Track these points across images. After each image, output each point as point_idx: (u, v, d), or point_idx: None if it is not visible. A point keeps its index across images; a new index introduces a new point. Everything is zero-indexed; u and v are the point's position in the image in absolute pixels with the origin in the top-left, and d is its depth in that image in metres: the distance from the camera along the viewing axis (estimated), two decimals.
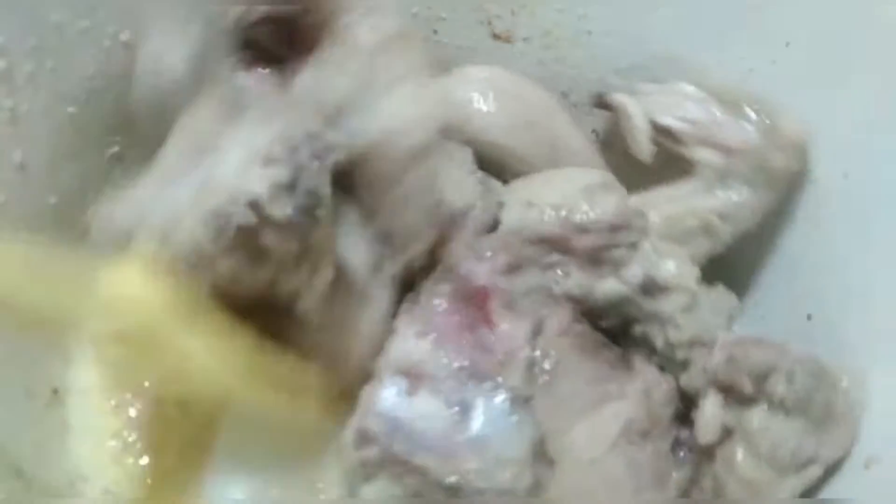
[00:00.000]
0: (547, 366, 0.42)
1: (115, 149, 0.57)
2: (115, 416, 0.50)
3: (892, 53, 0.48)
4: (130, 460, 0.50)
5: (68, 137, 0.53)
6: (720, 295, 0.51)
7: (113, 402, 0.48)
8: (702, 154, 0.52)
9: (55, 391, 0.50)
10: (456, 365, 0.41)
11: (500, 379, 0.41)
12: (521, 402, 0.41)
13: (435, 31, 0.65)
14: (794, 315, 0.53)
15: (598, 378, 0.44)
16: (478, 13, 0.65)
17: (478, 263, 0.45)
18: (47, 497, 0.45)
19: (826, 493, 0.45)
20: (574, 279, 0.46)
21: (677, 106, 0.55)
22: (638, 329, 0.48)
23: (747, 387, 0.43)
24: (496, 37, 0.65)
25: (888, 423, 0.43)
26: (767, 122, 0.52)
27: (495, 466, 0.39)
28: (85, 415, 0.51)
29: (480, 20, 0.65)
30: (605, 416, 0.42)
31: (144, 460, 0.49)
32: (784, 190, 0.53)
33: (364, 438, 0.40)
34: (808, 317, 0.52)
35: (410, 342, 0.42)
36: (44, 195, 0.51)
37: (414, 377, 0.41)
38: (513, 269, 0.45)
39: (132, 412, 0.49)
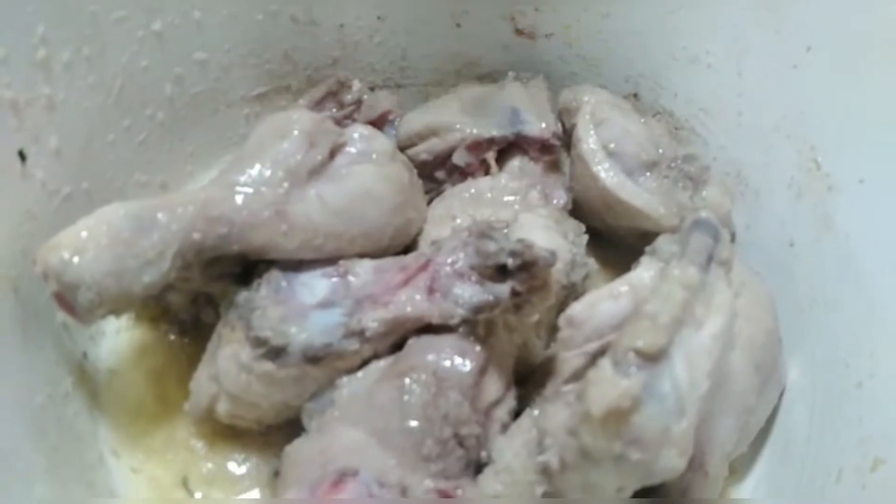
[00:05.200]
0: None
1: (143, 135, 0.58)
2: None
3: None
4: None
5: (101, 125, 0.54)
6: None
7: None
8: None
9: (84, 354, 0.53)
10: None
11: None
12: None
13: (458, 26, 0.66)
14: (807, 313, 0.54)
15: None
16: (501, 9, 0.65)
17: None
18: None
19: (833, 494, 0.46)
20: None
21: None
22: None
23: None
24: (519, 32, 0.66)
25: (894, 426, 0.44)
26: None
27: None
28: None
29: (503, 16, 0.66)
30: None
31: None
32: None
33: None
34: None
35: None
36: (77, 180, 0.52)
37: None
38: None
39: None
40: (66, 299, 0.45)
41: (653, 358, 0.39)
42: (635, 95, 0.66)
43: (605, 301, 0.46)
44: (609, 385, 0.39)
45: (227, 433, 0.52)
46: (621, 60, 0.64)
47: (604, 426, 0.39)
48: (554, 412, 0.44)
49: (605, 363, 0.40)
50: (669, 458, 0.39)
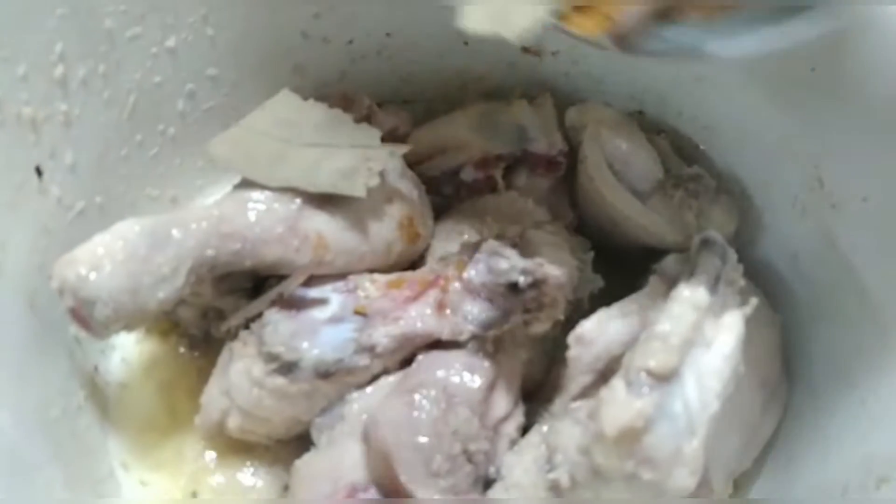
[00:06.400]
0: None
1: (155, 150, 0.59)
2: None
3: None
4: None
5: (114, 140, 0.54)
6: None
7: None
8: None
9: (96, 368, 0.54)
10: None
11: None
12: None
13: (466, 43, 0.67)
14: (810, 331, 0.55)
15: None
16: None
17: None
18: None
19: None
20: None
21: None
22: None
23: None
24: (525, 50, 0.67)
25: None
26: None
27: None
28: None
29: None
30: None
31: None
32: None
33: None
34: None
35: None
36: (91, 195, 0.53)
37: None
38: None
39: None
40: (81, 314, 0.45)
41: (665, 378, 0.40)
42: (640, 113, 0.66)
43: (614, 320, 0.47)
44: (623, 405, 0.39)
45: (237, 447, 0.52)
46: (626, 78, 0.65)
47: (617, 446, 0.39)
48: (563, 429, 0.45)
49: (617, 383, 0.40)
50: (681, 477, 0.40)
